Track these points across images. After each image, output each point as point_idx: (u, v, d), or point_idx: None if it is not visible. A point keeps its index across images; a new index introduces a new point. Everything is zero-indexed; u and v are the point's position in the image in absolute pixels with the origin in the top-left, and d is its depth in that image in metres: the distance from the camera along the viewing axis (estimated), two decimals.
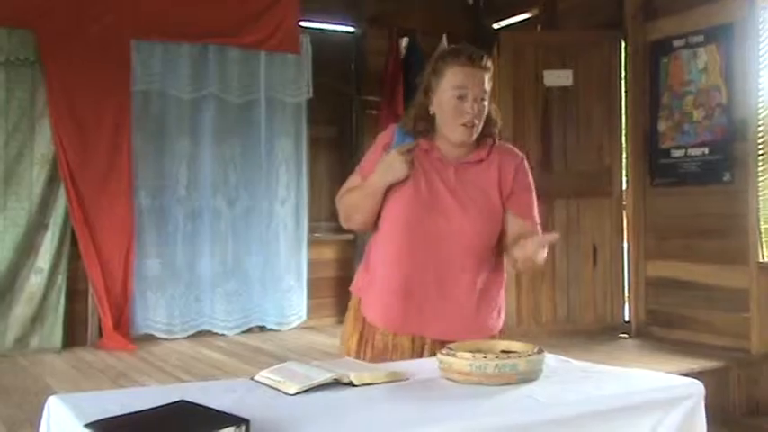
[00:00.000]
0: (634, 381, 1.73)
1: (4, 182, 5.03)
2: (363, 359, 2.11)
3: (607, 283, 5.50)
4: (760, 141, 4.63)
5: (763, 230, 4.61)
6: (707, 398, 1.67)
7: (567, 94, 5.57)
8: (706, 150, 4.94)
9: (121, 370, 4.51)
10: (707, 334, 4.86)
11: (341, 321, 2.58)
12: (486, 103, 2.13)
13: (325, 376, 1.64)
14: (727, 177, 4.81)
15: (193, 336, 5.56)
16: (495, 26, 6.68)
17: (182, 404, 1.40)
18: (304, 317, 5.96)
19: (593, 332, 5.36)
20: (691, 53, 5.03)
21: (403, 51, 6.25)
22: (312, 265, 6.00)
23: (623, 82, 5.54)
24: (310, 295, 5.97)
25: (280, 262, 5.86)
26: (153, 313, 5.49)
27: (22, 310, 5.06)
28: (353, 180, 2.26)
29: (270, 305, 5.82)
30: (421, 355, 2.11)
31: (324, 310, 6.08)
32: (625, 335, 5.38)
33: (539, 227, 2.19)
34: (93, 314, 5.27)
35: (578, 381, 1.71)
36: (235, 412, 1.33)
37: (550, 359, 1.83)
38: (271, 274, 5.81)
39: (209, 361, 4.80)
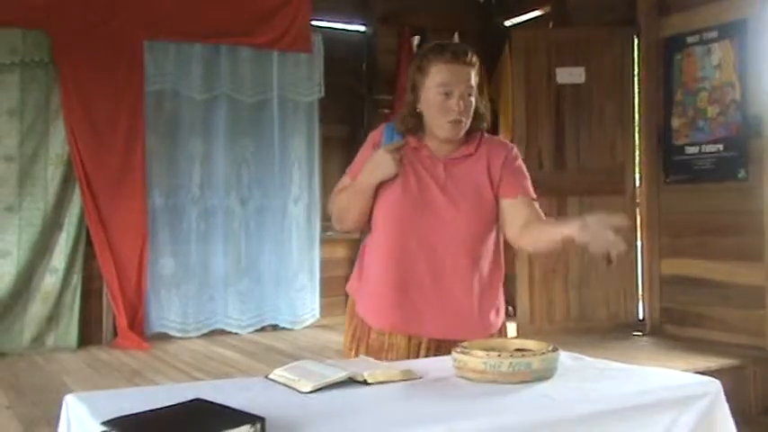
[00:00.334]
0: (650, 379, 1.72)
1: (19, 182, 5.07)
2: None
3: (621, 280, 5.47)
4: None
5: None
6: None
7: (579, 92, 5.55)
8: (720, 147, 4.91)
9: (136, 368, 4.54)
10: (722, 332, 4.83)
11: None
12: (472, 98, 2.11)
13: (340, 375, 1.64)
14: (741, 174, 4.77)
15: (207, 334, 5.58)
16: (507, 23, 6.66)
17: (197, 402, 1.40)
18: (317, 315, 5.97)
19: (606, 330, 5.34)
20: (704, 49, 5.00)
21: (414, 50, 6.25)
22: (325, 263, 6.01)
23: (636, 79, 5.52)
24: (323, 294, 5.98)
25: (292, 261, 5.87)
26: (167, 312, 5.52)
27: (37, 309, 5.10)
28: (344, 181, 2.25)
29: (283, 304, 5.84)
30: (417, 356, 2.09)
31: (336, 308, 6.06)
32: (639, 333, 5.36)
33: (536, 203, 2.17)
34: (108, 313, 5.30)
35: (593, 379, 1.70)
36: (250, 410, 1.34)
37: (565, 357, 1.83)
38: (284, 272, 5.83)
39: (223, 359, 4.82)
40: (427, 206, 2.10)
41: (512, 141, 5.87)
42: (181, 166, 5.60)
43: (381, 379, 1.67)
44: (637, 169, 5.55)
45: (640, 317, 5.47)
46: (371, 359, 1.95)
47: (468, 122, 2.12)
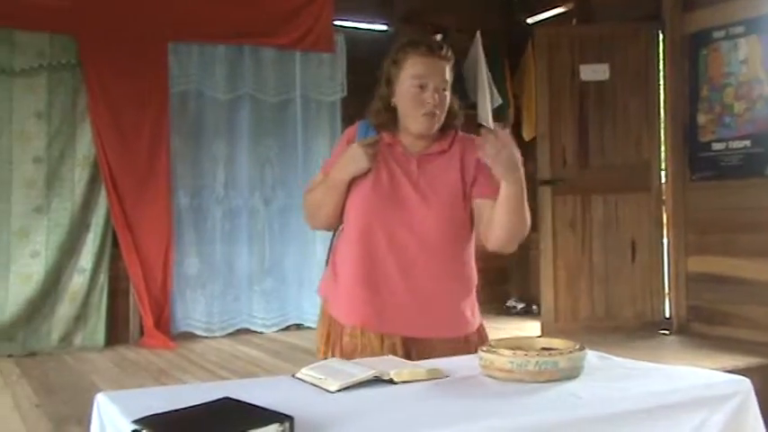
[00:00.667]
0: (678, 378, 1.70)
1: (47, 183, 5.14)
2: None
3: (646, 278, 5.43)
4: None
5: None
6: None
7: (603, 89, 5.51)
8: (747, 143, 4.85)
9: (163, 368, 4.58)
10: (750, 330, 4.77)
11: None
12: (447, 93, 2.10)
13: (366, 373, 1.64)
14: None
15: (232, 334, 5.62)
16: (530, 21, 6.63)
17: (226, 401, 1.41)
18: None
19: (632, 329, 5.30)
20: (731, 44, 4.94)
21: None
22: None
23: (661, 75, 5.46)
24: None
25: (316, 260, 5.89)
26: (192, 311, 5.57)
27: (65, 309, 5.16)
28: (317, 177, 2.23)
29: (307, 303, 5.86)
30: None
31: None
32: (666, 331, 5.31)
33: None
34: (135, 313, 5.36)
35: (620, 378, 1.69)
36: (277, 409, 1.34)
37: (591, 356, 1.82)
38: (307, 272, 5.85)
39: (249, 359, 4.84)
40: (399, 202, 2.08)
41: (535, 139, 5.88)
42: (205, 167, 5.64)
43: (407, 378, 1.67)
44: (662, 166, 5.50)
45: (667, 315, 5.42)
46: (397, 358, 1.95)
47: (443, 117, 2.11)
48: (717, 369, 2.88)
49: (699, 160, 5.17)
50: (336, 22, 5.97)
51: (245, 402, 1.40)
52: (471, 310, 2.17)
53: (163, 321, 5.36)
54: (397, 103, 2.12)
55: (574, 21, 6.14)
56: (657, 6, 5.43)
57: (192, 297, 5.58)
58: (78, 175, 5.24)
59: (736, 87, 4.92)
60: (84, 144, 5.24)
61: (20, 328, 5.03)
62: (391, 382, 1.65)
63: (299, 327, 5.85)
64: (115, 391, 1.60)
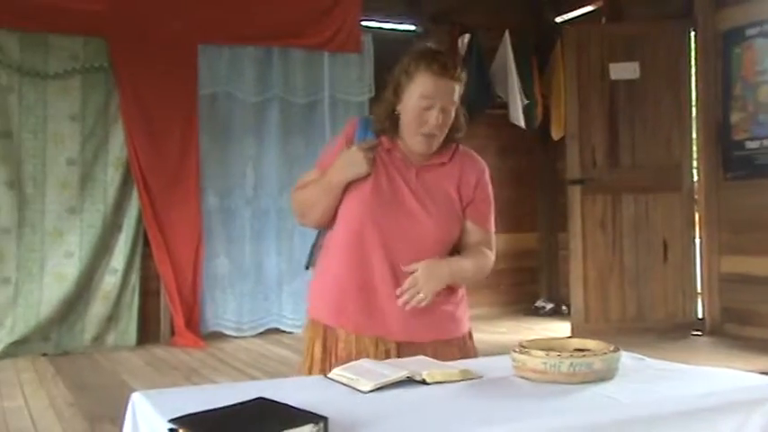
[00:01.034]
0: (715, 380, 1.68)
1: (80, 185, 5.22)
2: (329, 368, 1.93)
3: (678, 279, 5.37)
4: None
5: None
6: None
7: (633, 87, 5.46)
8: None
9: (194, 367, 4.62)
10: None
11: None
12: (452, 112, 2.06)
13: (399, 374, 1.64)
14: None
15: (262, 333, 5.66)
16: (558, 20, 6.59)
17: (260, 401, 1.42)
18: None
19: (664, 330, 5.24)
20: (765, 42, 4.87)
21: (463, 48, 6.23)
22: None
23: (693, 73, 5.40)
24: None
25: None
26: (222, 311, 5.61)
27: (98, 309, 5.24)
28: (310, 174, 2.17)
29: None
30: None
31: None
32: (698, 332, 5.24)
33: (492, 235, 2.16)
34: (166, 312, 5.42)
35: (655, 380, 1.67)
36: (310, 409, 1.35)
37: (625, 357, 1.80)
38: None
39: (279, 358, 4.87)
40: (397, 207, 2.06)
41: (563, 139, 5.84)
42: (234, 168, 5.69)
43: (440, 379, 1.66)
44: (694, 165, 5.43)
45: (699, 316, 5.35)
46: (428, 358, 1.94)
47: (442, 137, 2.08)
48: (751, 371, 2.83)
49: (732, 159, 5.10)
50: (364, 23, 5.99)
51: (279, 402, 1.40)
52: (463, 311, 2.17)
53: (193, 321, 5.41)
54: (400, 112, 2.08)
55: (603, 19, 6.09)
56: (689, 4, 5.37)
57: (221, 297, 5.62)
58: (111, 177, 5.31)
59: None
60: (117, 146, 5.31)
61: (54, 327, 5.11)
62: (423, 382, 1.65)
63: None
64: (150, 391, 1.61)
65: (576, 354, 1.65)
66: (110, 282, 5.28)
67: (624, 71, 5.46)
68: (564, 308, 6.25)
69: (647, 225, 5.42)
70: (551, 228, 6.75)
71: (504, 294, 6.50)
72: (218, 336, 5.53)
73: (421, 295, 1.95)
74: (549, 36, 6.45)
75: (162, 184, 5.35)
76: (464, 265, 2.06)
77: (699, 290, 5.38)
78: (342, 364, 1.90)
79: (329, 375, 1.73)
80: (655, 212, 5.42)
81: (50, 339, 5.09)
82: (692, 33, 5.38)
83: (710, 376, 1.73)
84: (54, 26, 5.10)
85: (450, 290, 2.12)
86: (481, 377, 1.71)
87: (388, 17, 6.30)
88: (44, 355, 4.95)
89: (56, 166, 5.17)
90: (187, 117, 5.45)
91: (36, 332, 5.04)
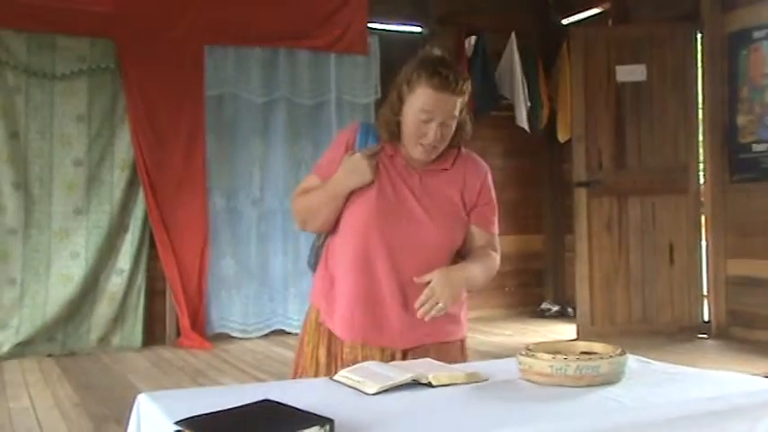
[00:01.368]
0: (723, 384, 1.67)
1: (87, 186, 5.23)
2: (334, 373, 1.90)
3: (684, 281, 5.35)
4: None
5: None
6: None
7: (640, 90, 5.45)
8: None
9: (199, 368, 4.62)
10: None
11: None
12: (453, 125, 2.03)
13: (405, 376, 1.64)
14: None
15: (267, 335, 5.66)
16: (565, 22, 6.58)
17: (266, 403, 1.42)
18: None
19: (670, 333, 5.23)
20: None
21: (470, 50, 6.23)
22: None
23: (699, 75, 5.39)
24: None
25: None
26: (228, 312, 5.62)
27: (104, 310, 5.25)
28: (311, 180, 2.14)
29: None
30: None
31: None
32: (704, 335, 5.23)
33: (496, 237, 2.15)
34: (171, 313, 5.42)
35: (662, 383, 1.66)
36: (316, 411, 1.35)
37: (631, 361, 1.79)
38: None
39: (284, 360, 4.86)
40: (404, 215, 2.04)
41: (570, 141, 5.83)
42: (241, 169, 5.69)
43: (446, 381, 1.66)
44: (700, 168, 5.42)
45: (706, 319, 5.34)
46: (434, 361, 1.94)
47: (442, 148, 2.05)
48: (757, 374, 2.82)
49: (739, 162, 5.09)
50: (370, 25, 5.99)
51: (284, 404, 1.40)
52: (464, 314, 2.17)
53: (199, 322, 5.41)
54: (402, 120, 2.05)
55: (609, 21, 6.09)
56: (695, 6, 5.36)
57: (227, 298, 5.63)
58: (117, 178, 5.32)
59: None
60: (123, 147, 5.32)
61: (60, 328, 5.12)
62: (429, 385, 1.65)
63: None
64: (156, 392, 1.62)
65: (582, 357, 1.64)
66: (116, 283, 5.29)
67: (631, 73, 5.45)
68: (570, 310, 6.24)
69: (653, 227, 5.40)
70: (557, 230, 6.74)
71: (509, 296, 6.49)
72: (224, 337, 5.53)
73: (440, 305, 1.92)
74: (555, 38, 6.45)
75: (168, 185, 5.36)
76: (475, 271, 2.05)
77: (705, 293, 5.36)
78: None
79: (335, 377, 1.73)
80: (661, 215, 5.41)
81: (56, 340, 5.11)
82: (699, 35, 5.37)
83: (717, 380, 1.72)
84: (61, 27, 5.12)
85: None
86: (487, 380, 1.70)
87: (394, 19, 6.30)
88: (50, 355, 4.96)
89: (62, 167, 5.18)
90: (193, 118, 5.46)
91: (42, 333, 5.05)
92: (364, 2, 5.89)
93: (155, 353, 5.12)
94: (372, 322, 2.05)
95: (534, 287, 6.70)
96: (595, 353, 1.70)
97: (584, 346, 1.79)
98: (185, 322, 5.32)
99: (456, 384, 1.66)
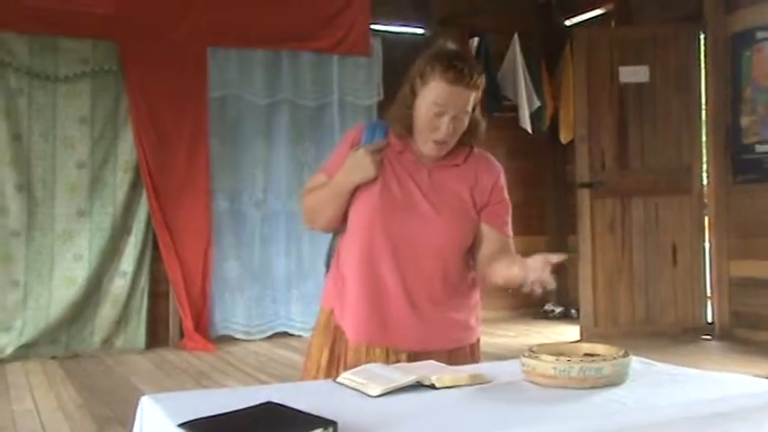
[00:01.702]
0: (727, 386, 1.67)
1: (90, 188, 5.24)
2: (336, 375, 1.89)
3: (688, 282, 5.35)
4: None
5: None
6: None
7: (643, 91, 5.45)
8: None
9: (203, 370, 4.63)
10: None
11: None
12: (466, 120, 2.01)
13: (408, 378, 1.64)
14: None
15: (270, 337, 5.66)
16: (568, 23, 6.58)
17: (269, 405, 1.42)
18: None
19: (673, 334, 5.22)
20: None
21: (472, 52, 6.22)
22: None
23: (703, 76, 5.38)
24: None
25: None
26: (231, 314, 5.62)
27: (107, 312, 5.25)
28: (318, 178, 2.14)
29: None
30: None
31: None
32: (708, 337, 5.22)
33: (510, 240, 2.10)
34: (175, 315, 5.43)
35: (665, 385, 1.66)
36: (320, 414, 1.35)
37: (634, 362, 1.79)
38: None
39: (287, 362, 4.87)
40: (409, 211, 2.02)
41: (572, 142, 5.82)
42: (244, 171, 5.70)
43: (449, 383, 1.66)
44: (704, 169, 5.41)
45: (709, 320, 5.33)
46: (437, 363, 1.93)
47: (453, 143, 2.03)
48: (761, 376, 2.82)
49: (742, 163, 5.08)
50: (373, 26, 5.99)
51: (288, 407, 1.40)
52: (476, 318, 2.14)
53: (202, 324, 5.41)
54: (414, 114, 2.03)
55: (613, 22, 6.08)
56: (698, 7, 5.36)
57: (230, 300, 5.63)
58: (120, 180, 5.32)
59: None
60: (126, 149, 5.33)
61: (63, 330, 5.13)
62: (433, 387, 1.64)
63: None
64: (159, 394, 1.62)
65: (585, 359, 1.64)
66: (119, 285, 5.29)
67: (634, 74, 5.45)
68: (573, 311, 6.23)
69: (656, 228, 5.40)
70: (560, 231, 6.73)
71: (512, 298, 6.47)
72: (227, 339, 5.53)
73: (547, 278, 1.86)
74: (558, 39, 6.44)
75: (171, 187, 5.36)
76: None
77: (708, 294, 5.35)
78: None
79: (338, 380, 1.72)
80: (664, 216, 5.40)
81: (60, 342, 5.11)
82: (702, 36, 5.37)
83: (721, 382, 1.72)
84: (63, 29, 5.13)
85: (465, 296, 2.09)
86: (490, 382, 1.70)
87: (397, 20, 6.31)
88: (53, 357, 4.97)
89: (65, 169, 5.19)
90: (196, 120, 5.46)
91: (45, 335, 5.06)
92: (367, 4, 5.89)
93: (158, 355, 5.12)
94: (378, 320, 2.03)
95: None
96: (599, 354, 1.70)
97: (587, 347, 1.78)
98: (188, 324, 5.32)
99: (459, 386, 1.66)
